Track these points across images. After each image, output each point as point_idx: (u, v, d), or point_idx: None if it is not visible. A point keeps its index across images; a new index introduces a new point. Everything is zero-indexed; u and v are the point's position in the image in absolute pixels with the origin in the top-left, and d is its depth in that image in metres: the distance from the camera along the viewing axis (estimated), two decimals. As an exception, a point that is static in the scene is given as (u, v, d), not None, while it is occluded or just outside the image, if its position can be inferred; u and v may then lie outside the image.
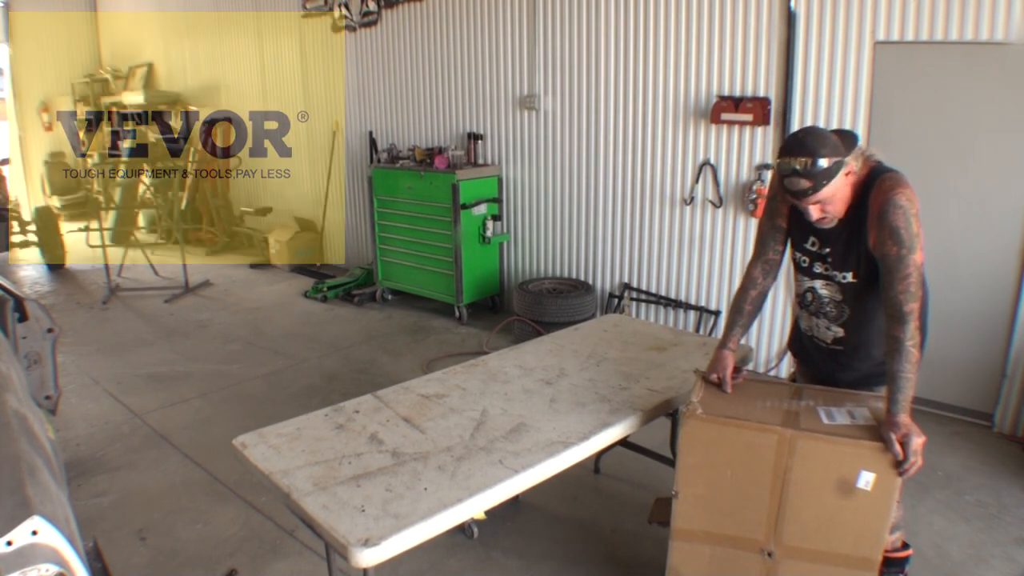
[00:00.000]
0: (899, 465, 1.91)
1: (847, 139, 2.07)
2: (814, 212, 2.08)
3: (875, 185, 2.04)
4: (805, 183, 1.99)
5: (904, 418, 1.94)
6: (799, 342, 2.50)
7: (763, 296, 2.44)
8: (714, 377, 2.33)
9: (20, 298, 2.59)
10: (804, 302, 2.36)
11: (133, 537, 3.02)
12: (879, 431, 1.97)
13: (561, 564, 2.86)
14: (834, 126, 4.09)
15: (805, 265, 2.30)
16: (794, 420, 2.08)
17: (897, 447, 1.90)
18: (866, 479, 1.96)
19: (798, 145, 2.01)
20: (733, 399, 2.24)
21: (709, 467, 2.15)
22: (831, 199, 2.04)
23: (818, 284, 2.28)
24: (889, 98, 3.93)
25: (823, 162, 1.96)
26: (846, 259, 2.16)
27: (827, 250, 2.20)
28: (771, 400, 2.22)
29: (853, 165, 2.04)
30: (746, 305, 2.41)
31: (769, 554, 2.13)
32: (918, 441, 1.90)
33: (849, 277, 2.18)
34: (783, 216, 2.31)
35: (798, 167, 1.98)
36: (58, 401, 2.79)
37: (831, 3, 4.00)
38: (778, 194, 2.28)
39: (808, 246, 2.26)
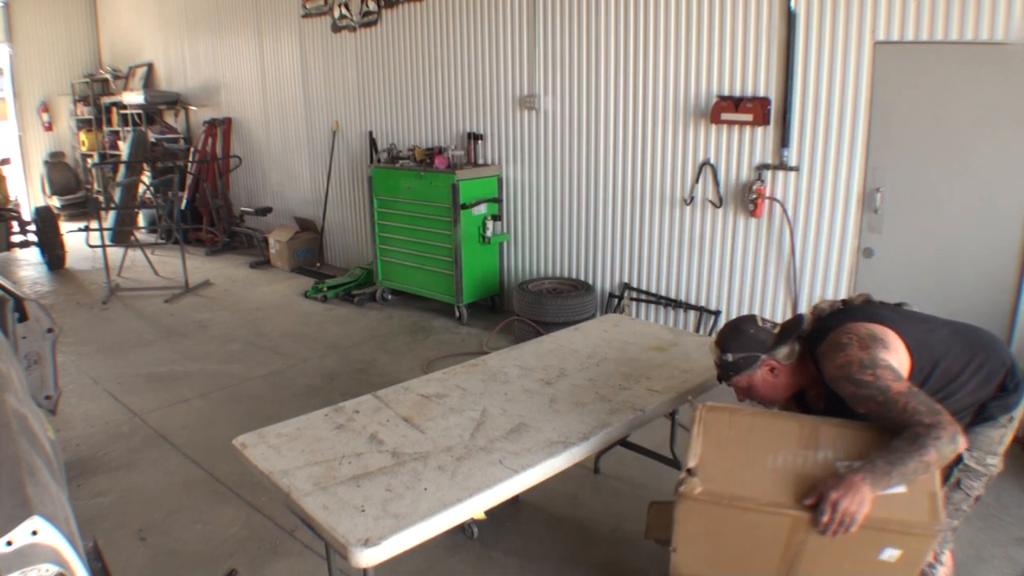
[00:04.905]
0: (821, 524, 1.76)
1: (786, 330, 2.12)
2: (738, 395, 2.20)
3: (819, 360, 2.02)
4: (719, 372, 2.21)
5: (856, 479, 1.75)
6: None
7: None
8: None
9: (20, 298, 2.59)
10: None
11: (133, 537, 3.02)
12: (819, 483, 1.80)
13: (561, 564, 2.86)
14: (834, 126, 4.10)
15: None
16: (808, 487, 1.82)
17: (827, 509, 1.74)
18: (890, 554, 1.78)
19: (720, 335, 2.21)
20: (737, 454, 1.95)
21: (711, 535, 1.94)
22: (754, 389, 2.16)
23: None
24: (889, 98, 3.93)
25: (729, 357, 2.14)
26: (852, 416, 2.03)
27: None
28: (782, 454, 1.92)
29: (774, 362, 2.10)
30: None
31: None
32: (850, 507, 1.73)
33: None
34: (789, 406, 2.35)
35: (712, 355, 2.21)
36: (58, 401, 2.80)
37: (831, 3, 4.00)
38: None
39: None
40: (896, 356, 1.92)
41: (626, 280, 5.30)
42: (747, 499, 1.85)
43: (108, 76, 10.79)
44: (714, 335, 2.20)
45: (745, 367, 2.12)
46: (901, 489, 1.77)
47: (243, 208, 8.52)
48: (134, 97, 9.46)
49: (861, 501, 1.73)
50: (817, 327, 2.08)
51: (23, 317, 2.57)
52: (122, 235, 8.27)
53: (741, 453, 1.95)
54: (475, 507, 1.95)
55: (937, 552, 2.09)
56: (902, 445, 1.77)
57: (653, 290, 5.16)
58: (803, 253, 4.37)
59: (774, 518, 1.83)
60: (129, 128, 9.77)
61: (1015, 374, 1.98)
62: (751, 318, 2.22)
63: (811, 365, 2.08)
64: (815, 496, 1.78)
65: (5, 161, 8.51)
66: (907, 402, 1.81)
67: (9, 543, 1.06)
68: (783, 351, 2.10)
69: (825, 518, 1.74)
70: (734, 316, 4.69)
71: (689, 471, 1.91)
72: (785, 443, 1.94)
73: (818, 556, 1.84)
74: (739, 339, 2.14)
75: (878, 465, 1.76)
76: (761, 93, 4.36)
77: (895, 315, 2.06)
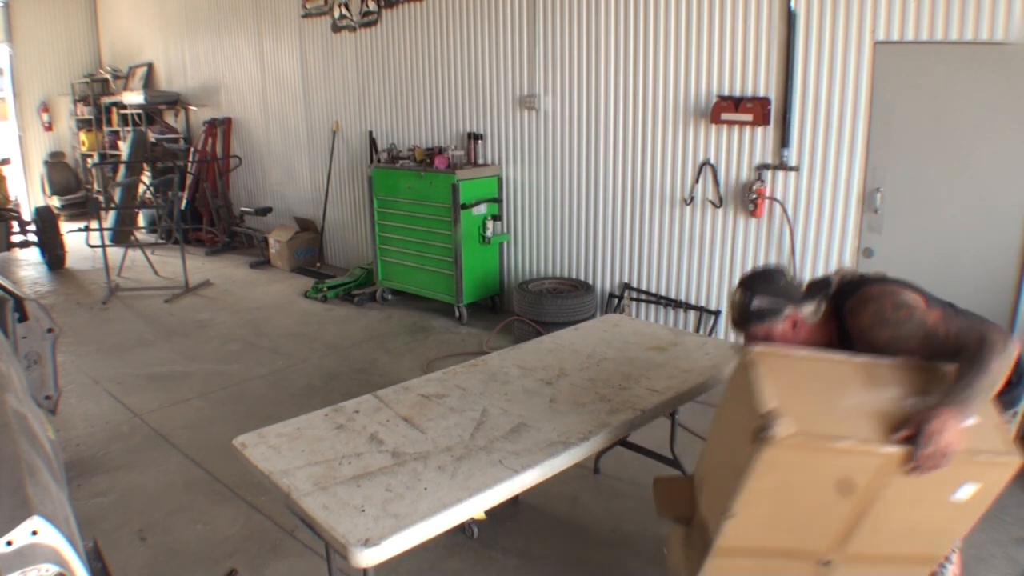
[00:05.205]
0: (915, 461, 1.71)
1: (813, 288, 2.07)
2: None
3: (847, 317, 1.99)
4: (737, 316, 2.06)
5: (944, 411, 1.70)
6: None
7: None
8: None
9: (20, 298, 2.59)
10: None
11: (133, 537, 3.02)
12: (909, 418, 1.72)
13: (561, 564, 2.86)
14: (834, 126, 4.10)
15: None
16: (891, 425, 1.72)
17: (926, 442, 1.67)
18: (967, 491, 1.74)
19: (748, 278, 2.10)
20: (810, 397, 1.78)
21: (783, 489, 1.75)
22: (770, 342, 2.03)
23: None
24: (889, 98, 3.93)
25: (755, 302, 2.01)
26: None
27: None
28: (851, 394, 1.79)
29: (798, 317, 2.01)
30: None
31: (826, 563, 1.87)
32: (947, 438, 1.67)
33: None
34: None
35: (735, 298, 2.07)
36: (58, 401, 2.79)
37: (831, 3, 4.00)
38: None
39: None
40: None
41: (626, 280, 5.30)
42: (843, 438, 1.68)
43: (108, 76, 10.79)
44: (740, 279, 2.07)
45: (768, 316, 2.01)
46: (974, 420, 1.73)
47: (243, 208, 8.52)
48: (134, 97, 9.46)
49: (955, 433, 1.68)
50: (842, 289, 2.05)
51: (23, 317, 2.57)
52: (122, 235, 8.26)
53: (813, 395, 1.77)
54: (475, 507, 1.95)
55: (947, 552, 2.09)
56: (965, 370, 1.75)
57: (653, 290, 5.16)
58: (803, 253, 4.37)
59: (865, 459, 1.70)
60: (129, 128, 9.77)
61: (1019, 366, 1.98)
62: (781, 269, 2.14)
63: (832, 327, 2.04)
64: (909, 429, 1.70)
65: (5, 161, 8.51)
66: (948, 328, 1.83)
67: (9, 543, 1.06)
68: (810, 307, 2.03)
69: (926, 450, 1.67)
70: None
71: (770, 415, 1.66)
72: (850, 384, 1.82)
73: (892, 504, 1.75)
74: (768, 286, 2.04)
75: (954, 395, 1.73)
76: (761, 93, 4.36)
77: (921, 289, 2.05)
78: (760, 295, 2.01)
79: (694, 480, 2.15)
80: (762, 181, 4.42)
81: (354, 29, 6.84)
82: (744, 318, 2.04)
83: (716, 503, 1.87)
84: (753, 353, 1.86)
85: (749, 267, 4.62)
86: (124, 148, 9.53)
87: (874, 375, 1.85)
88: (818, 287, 2.08)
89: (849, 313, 1.97)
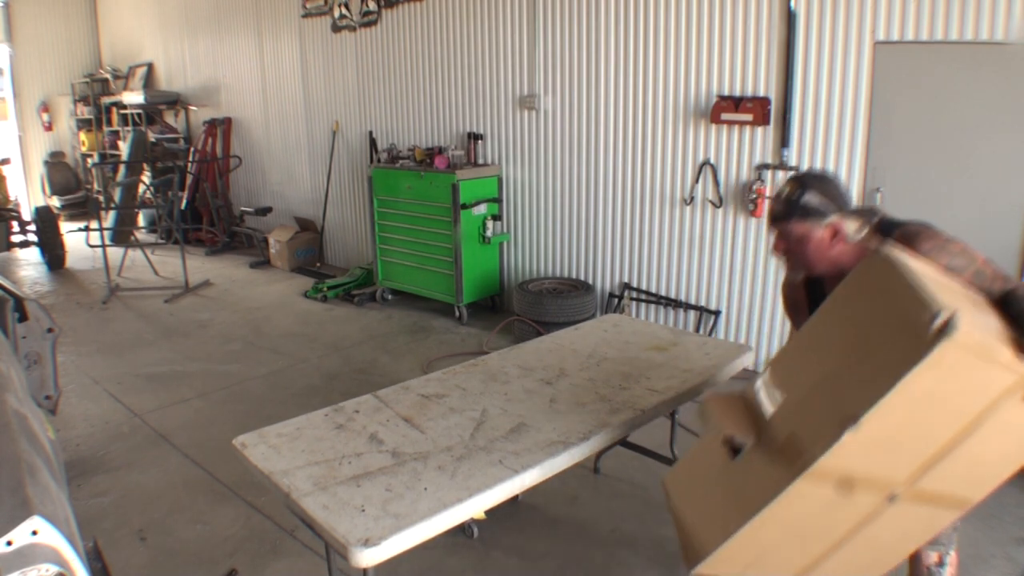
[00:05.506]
0: None
1: (864, 212, 2.01)
2: (778, 244, 2.02)
3: (899, 243, 1.92)
4: (780, 208, 1.97)
5: None
6: None
7: None
8: None
9: (20, 298, 2.59)
10: None
11: (133, 537, 3.02)
12: None
13: (561, 564, 2.86)
14: (834, 126, 4.10)
15: None
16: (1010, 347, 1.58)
17: None
18: None
19: (805, 174, 2.01)
20: (960, 300, 1.61)
21: (924, 401, 1.55)
22: (802, 245, 1.96)
23: None
24: (889, 98, 3.93)
25: (806, 197, 1.93)
26: None
27: None
28: (985, 311, 1.68)
29: (845, 228, 1.93)
30: None
31: (893, 497, 1.70)
32: None
33: None
34: (799, 287, 2.22)
35: (784, 191, 1.98)
36: (58, 401, 2.79)
37: (831, 3, 4.00)
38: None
39: None
40: None
41: (626, 280, 5.30)
42: (1001, 351, 1.52)
43: (108, 76, 10.79)
44: (793, 175, 1.99)
45: (813, 215, 1.92)
46: None
47: (243, 208, 8.52)
48: (134, 97, 9.47)
49: None
50: (884, 221, 2.01)
51: (23, 317, 2.57)
52: (122, 235, 8.26)
53: (962, 303, 1.58)
54: (475, 507, 1.95)
55: (943, 552, 2.09)
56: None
57: (653, 290, 5.16)
58: (803, 253, 4.37)
59: (1005, 377, 1.56)
60: (129, 128, 9.78)
61: None
62: (838, 178, 2.03)
63: (863, 255, 1.97)
64: None
65: (5, 161, 8.51)
66: (995, 269, 1.86)
67: (9, 543, 1.06)
68: (855, 224, 1.96)
69: None
70: (734, 316, 4.75)
71: (948, 310, 1.43)
72: (962, 302, 1.63)
73: (989, 432, 1.62)
74: (825, 187, 1.94)
75: None
76: (761, 93, 4.36)
77: None
78: (813, 191, 1.93)
79: (753, 396, 1.87)
80: (762, 181, 4.42)
81: (354, 29, 6.84)
82: (788, 211, 1.94)
83: (825, 416, 1.62)
84: (893, 250, 1.67)
85: (749, 267, 4.63)
86: (124, 148, 9.53)
87: (967, 295, 1.74)
88: (866, 211, 2.03)
89: (903, 238, 1.90)
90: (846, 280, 1.74)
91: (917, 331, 1.46)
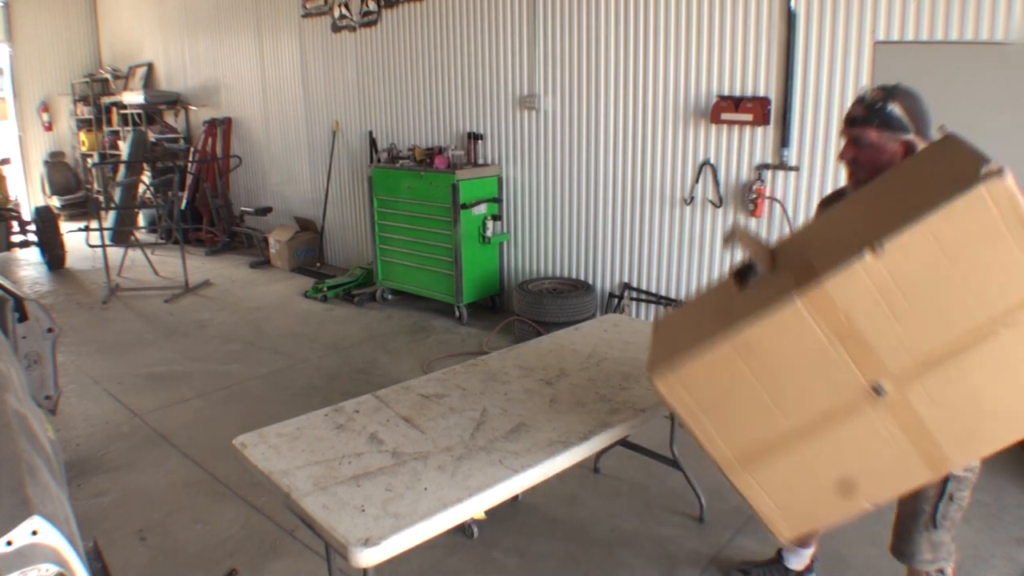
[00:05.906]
0: None
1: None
2: (847, 150, 1.97)
3: None
4: (861, 111, 1.92)
5: None
6: None
7: None
8: None
9: (20, 298, 2.59)
10: None
11: (133, 537, 3.02)
12: None
13: (561, 564, 2.86)
14: (835, 126, 4.10)
15: None
16: None
17: None
18: None
19: (895, 86, 1.94)
20: None
21: (948, 249, 1.47)
22: (873, 152, 1.90)
23: None
24: (889, 98, 3.93)
25: (890, 107, 1.88)
26: None
27: None
28: None
29: (916, 145, 1.87)
30: None
31: (876, 389, 1.59)
32: None
33: None
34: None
35: (867, 96, 1.92)
36: (58, 401, 2.79)
37: (831, 3, 4.00)
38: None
39: None
40: None
41: (626, 280, 5.30)
42: None
43: (108, 76, 10.79)
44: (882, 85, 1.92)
45: (892, 126, 1.88)
46: None
47: (243, 208, 8.52)
48: (134, 97, 9.47)
49: None
50: None
51: (23, 317, 2.57)
52: (122, 235, 8.27)
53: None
54: (475, 507, 1.95)
55: (943, 566, 2.08)
56: None
57: (653, 290, 5.16)
58: (803, 253, 4.37)
59: None
60: (129, 128, 9.78)
61: None
62: (925, 99, 2.00)
63: None
64: None
65: (5, 161, 8.51)
66: None
67: (9, 543, 1.06)
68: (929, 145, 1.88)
69: None
70: (734, 316, 4.74)
71: (995, 164, 1.41)
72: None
73: (1002, 350, 1.55)
74: (910, 103, 1.90)
75: None
76: (761, 93, 4.36)
77: None
78: (897, 103, 1.88)
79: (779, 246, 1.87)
80: (762, 181, 4.42)
81: (354, 29, 6.84)
82: (869, 116, 1.90)
83: (848, 247, 1.54)
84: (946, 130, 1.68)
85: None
86: (124, 148, 9.53)
87: None
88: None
89: None
90: (905, 160, 1.71)
91: (965, 177, 1.43)
